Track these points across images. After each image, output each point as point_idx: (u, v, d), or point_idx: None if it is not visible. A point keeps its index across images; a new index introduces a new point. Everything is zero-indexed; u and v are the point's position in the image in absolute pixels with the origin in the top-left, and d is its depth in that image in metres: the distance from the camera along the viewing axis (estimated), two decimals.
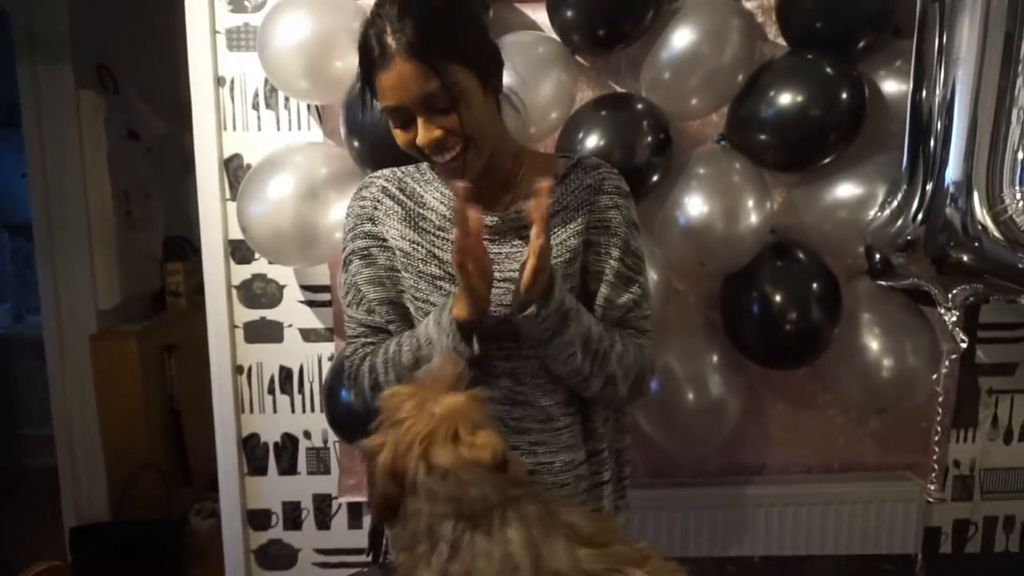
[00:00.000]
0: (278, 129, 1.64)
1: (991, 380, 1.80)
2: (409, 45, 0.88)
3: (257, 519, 1.80)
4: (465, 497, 0.65)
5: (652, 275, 1.46)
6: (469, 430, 0.69)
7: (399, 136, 0.95)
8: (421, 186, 1.05)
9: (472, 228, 0.86)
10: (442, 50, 0.90)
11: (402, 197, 1.04)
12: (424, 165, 1.06)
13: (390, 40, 0.89)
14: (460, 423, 0.69)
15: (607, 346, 0.99)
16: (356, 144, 1.41)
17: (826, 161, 1.49)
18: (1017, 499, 1.84)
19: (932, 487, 1.50)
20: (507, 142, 1.04)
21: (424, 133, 0.91)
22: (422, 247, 1.01)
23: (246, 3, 1.60)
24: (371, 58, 0.91)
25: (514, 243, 1.01)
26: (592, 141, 1.42)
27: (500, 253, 1.00)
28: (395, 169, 1.07)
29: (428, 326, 0.96)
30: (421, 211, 1.03)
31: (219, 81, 1.63)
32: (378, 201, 1.04)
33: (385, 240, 1.03)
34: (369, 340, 1.05)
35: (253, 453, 1.76)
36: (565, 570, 0.61)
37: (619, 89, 1.60)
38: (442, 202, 1.03)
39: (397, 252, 1.02)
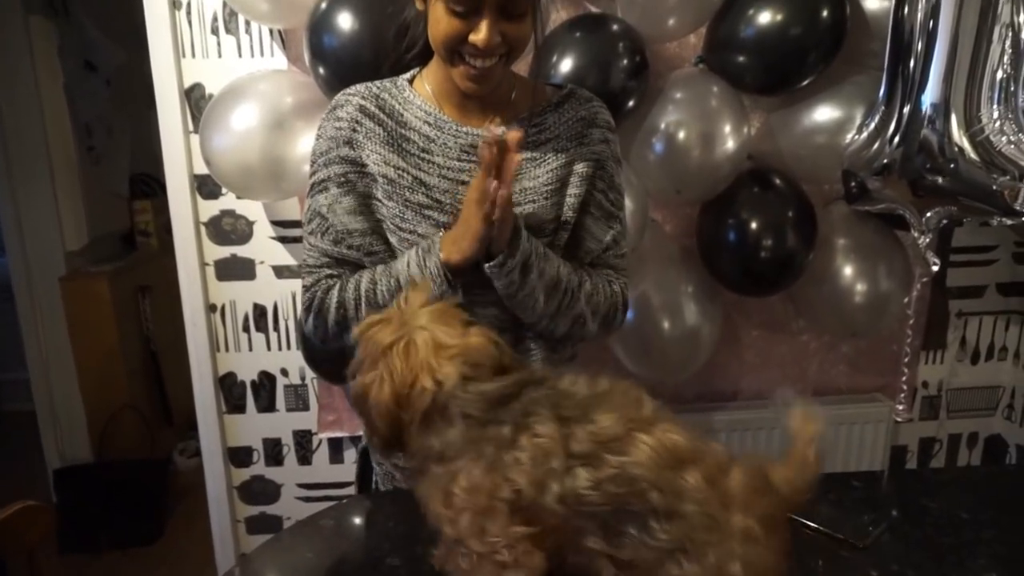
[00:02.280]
0: (239, 56, 1.57)
1: (961, 303, 1.83)
2: None
3: (238, 456, 1.81)
4: (488, 399, 0.66)
5: (629, 204, 1.44)
6: (459, 331, 0.69)
7: (450, 24, 0.87)
8: (400, 104, 0.99)
9: (506, 178, 0.84)
10: None
11: (382, 116, 0.97)
12: (401, 79, 1.00)
13: None
14: (448, 326, 0.69)
15: (575, 286, 0.98)
16: (322, 71, 1.35)
17: (805, 83, 1.46)
18: (980, 416, 1.90)
19: (900, 407, 1.53)
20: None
21: (489, 34, 0.86)
22: (408, 174, 0.96)
23: None
24: None
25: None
26: (566, 64, 1.38)
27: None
28: (369, 84, 1.00)
29: (410, 266, 0.93)
30: (403, 132, 0.97)
31: (175, 4, 1.54)
32: (356, 122, 0.96)
33: (365, 165, 0.97)
34: (332, 272, 1.01)
35: (231, 392, 1.75)
36: (588, 450, 0.64)
37: (594, 9, 1.54)
38: (426, 120, 0.98)
39: (380, 179, 0.96)
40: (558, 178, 0.99)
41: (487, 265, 0.92)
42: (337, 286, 0.99)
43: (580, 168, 1.00)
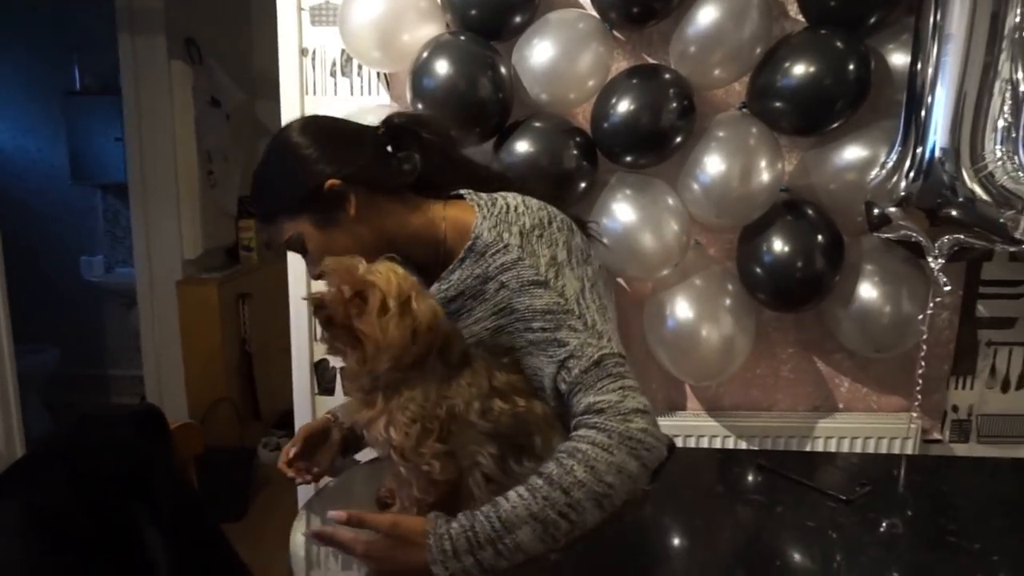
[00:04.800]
0: (351, 94, 1.89)
1: (990, 332, 1.95)
2: (257, 216, 1.10)
3: None
4: (448, 340, 0.94)
5: (673, 227, 1.67)
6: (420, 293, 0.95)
7: None
8: None
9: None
10: (266, 213, 1.05)
11: None
12: None
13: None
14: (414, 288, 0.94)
15: (560, 502, 0.85)
16: (420, 106, 1.64)
17: (835, 126, 1.67)
18: (1011, 443, 2.00)
19: (915, 415, 1.68)
20: (419, 232, 1.06)
21: (308, 272, 1.10)
22: None
23: None
24: None
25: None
26: (624, 106, 1.63)
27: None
28: None
29: None
30: None
31: (303, 52, 1.88)
32: None
33: None
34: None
35: (323, 376, 2.03)
36: (504, 389, 0.95)
37: (650, 60, 1.79)
38: None
39: None
40: (472, 334, 1.02)
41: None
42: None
43: (490, 323, 1.01)
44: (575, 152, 1.65)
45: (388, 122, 1.11)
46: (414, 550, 0.86)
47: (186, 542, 0.86)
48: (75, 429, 0.91)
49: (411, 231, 1.06)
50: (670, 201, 1.69)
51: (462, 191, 1.12)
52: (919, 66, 1.50)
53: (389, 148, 1.09)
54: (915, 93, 1.51)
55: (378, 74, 1.88)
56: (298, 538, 1.02)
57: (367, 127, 1.10)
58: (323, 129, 1.07)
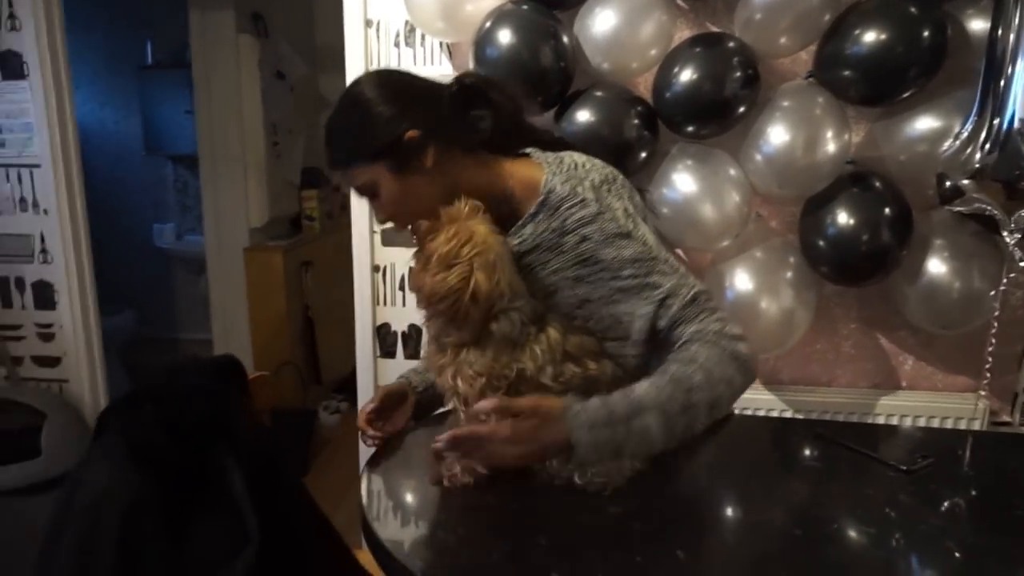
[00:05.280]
0: (414, 63, 1.92)
1: None
2: (329, 160, 1.12)
3: None
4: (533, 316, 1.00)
5: (735, 197, 1.66)
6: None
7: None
8: None
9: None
10: (345, 160, 1.10)
11: None
12: None
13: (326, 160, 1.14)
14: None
15: (681, 395, 0.95)
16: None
17: (906, 96, 1.62)
18: None
19: (983, 393, 1.63)
20: (488, 186, 1.10)
21: (377, 217, 1.15)
22: None
23: None
24: None
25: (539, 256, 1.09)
26: (686, 75, 1.61)
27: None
28: None
29: None
30: None
31: (367, 23, 1.92)
32: None
33: None
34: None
35: (385, 339, 2.10)
36: (576, 353, 1.02)
37: (714, 29, 1.77)
38: None
39: None
40: (551, 283, 1.07)
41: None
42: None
43: (570, 273, 1.06)
44: (636, 122, 1.65)
45: (460, 81, 1.14)
46: (556, 425, 0.92)
47: (266, 485, 0.92)
48: (164, 376, 0.98)
49: (481, 185, 1.10)
50: (732, 172, 1.68)
51: (528, 150, 1.16)
52: (999, 33, 1.43)
53: (462, 106, 1.13)
54: (994, 62, 1.45)
55: (441, 44, 1.90)
56: (363, 495, 1.06)
57: (441, 84, 1.14)
58: (400, 83, 1.12)
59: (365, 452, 2.23)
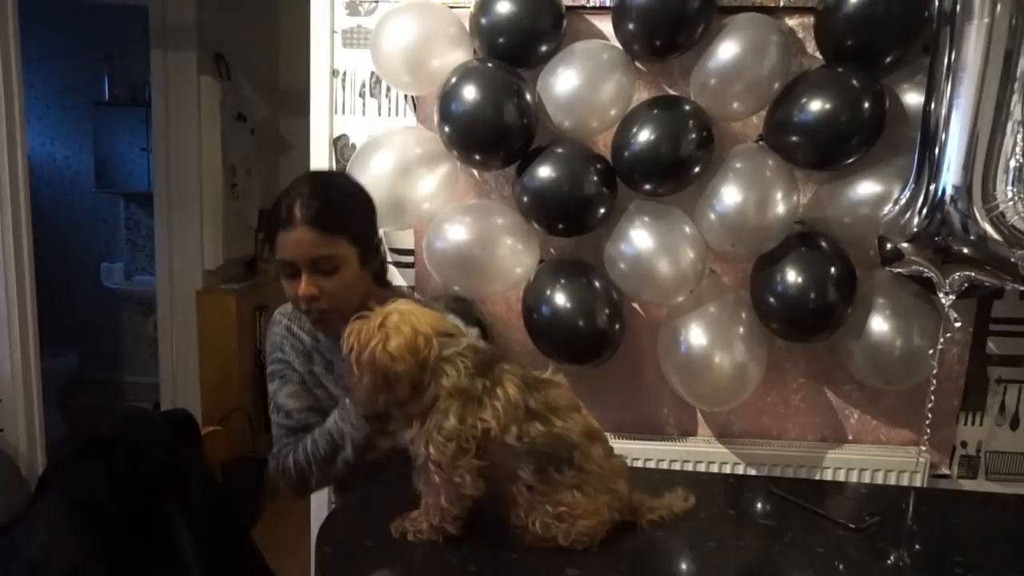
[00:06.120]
0: (379, 114, 1.95)
1: (1001, 370, 1.97)
2: (313, 216, 1.18)
3: None
4: (476, 362, 1.00)
5: (689, 254, 1.71)
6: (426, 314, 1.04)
7: (285, 285, 1.26)
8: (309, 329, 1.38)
9: None
10: (335, 226, 1.20)
11: (302, 335, 1.38)
12: None
13: (297, 210, 1.18)
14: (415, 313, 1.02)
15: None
16: (447, 129, 1.69)
17: (850, 161, 1.70)
18: (1021, 481, 2.01)
19: (923, 448, 1.69)
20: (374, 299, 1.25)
21: (305, 287, 1.20)
22: (314, 376, 1.37)
23: (360, 8, 1.91)
24: (278, 219, 1.21)
25: None
26: (644, 135, 1.67)
27: None
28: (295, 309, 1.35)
29: (337, 423, 1.24)
30: (316, 346, 1.37)
31: (334, 73, 1.94)
32: (284, 337, 1.39)
33: (292, 365, 1.37)
34: (288, 440, 1.35)
35: None
36: (540, 410, 1.01)
37: (671, 92, 1.84)
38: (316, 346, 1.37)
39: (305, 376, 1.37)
40: None
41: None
42: (292, 449, 1.33)
43: None
44: (595, 179, 1.70)
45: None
46: None
47: (216, 541, 0.89)
48: (115, 429, 0.95)
49: (370, 294, 1.26)
50: (687, 229, 1.73)
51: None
52: (933, 105, 1.53)
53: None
54: (929, 131, 1.55)
55: (406, 96, 1.93)
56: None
57: None
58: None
59: (317, 503, 2.17)
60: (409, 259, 2.01)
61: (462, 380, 0.98)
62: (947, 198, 1.51)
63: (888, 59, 1.71)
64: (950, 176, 1.50)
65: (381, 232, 1.39)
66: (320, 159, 1.98)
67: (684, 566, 1.05)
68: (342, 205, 1.24)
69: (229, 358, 3.13)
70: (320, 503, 2.14)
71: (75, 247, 4.00)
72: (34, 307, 2.45)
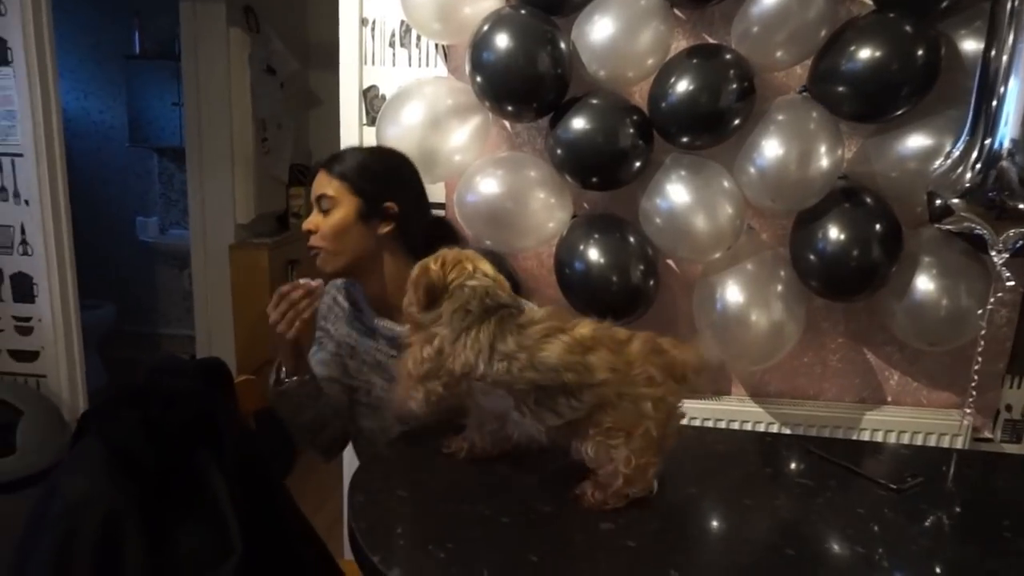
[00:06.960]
0: (409, 65, 1.91)
1: None
2: (327, 161, 1.35)
3: None
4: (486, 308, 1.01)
5: (727, 209, 1.66)
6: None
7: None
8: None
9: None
10: (339, 172, 1.31)
11: (344, 303, 1.46)
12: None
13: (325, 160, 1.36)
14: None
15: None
16: (479, 79, 1.65)
17: (899, 113, 1.62)
18: None
19: (968, 411, 1.64)
20: (396, 275, 1.35)
21: (307, 220, 1.33)
22: (350, 345, 1.44)
23: None
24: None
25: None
26: (682, 86, 1.61)
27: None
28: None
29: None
30: (358, 315, 1.43)
31: (363, 22, 1.90)
32: (329, 307, 1.47)
33: (330, 332, 1.46)
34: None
35: None
36: (510, 351, 0.97)
37: (711, 40, 1.77)
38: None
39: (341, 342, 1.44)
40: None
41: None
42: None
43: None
44: (631, 131, 1.64)
45: (440, 220, 1.52)
46: None
47: (248, 489, 0.90)
48: (148, 377, 0.95)
49: (392, 277, 1.36)
50: (725, 184, 1.68)
51: None
52: (992, 53, 1.45)
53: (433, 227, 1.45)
54: (987, 82, 1.46)
55: (437, 46, 1.89)
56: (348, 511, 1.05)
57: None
58: (419, 183, 1.44)
59: (348, 452, 2.20)
60: (440, 212, 1.98)
61: (456, 311, 1.00)
62: (1004, 152, 1.44)
63: (944, 3, 1.61)
64: (1008, 129, 1.43)
65: (404, 203, 1.37)
66: (349, 111, 1.95)
67: (718, 524, 1.03)
68: (357, 162, 1.35)
69: (262, 311, 3.14)
70: (352, 455, 2.17)
71: (111, 202, 4.04)
72: (72, 260, 2.49)
